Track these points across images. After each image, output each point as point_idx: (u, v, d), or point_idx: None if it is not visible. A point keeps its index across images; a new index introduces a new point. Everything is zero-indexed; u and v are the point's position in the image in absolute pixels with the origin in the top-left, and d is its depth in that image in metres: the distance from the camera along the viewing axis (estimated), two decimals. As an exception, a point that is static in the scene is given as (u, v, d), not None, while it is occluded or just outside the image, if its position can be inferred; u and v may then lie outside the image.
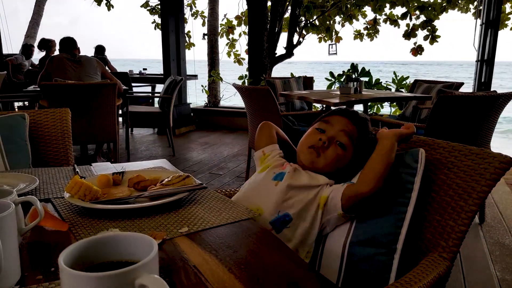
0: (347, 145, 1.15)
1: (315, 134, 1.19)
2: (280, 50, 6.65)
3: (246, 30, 7.54)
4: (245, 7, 7.24)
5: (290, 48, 6.69)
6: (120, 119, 4.76)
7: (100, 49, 7.66)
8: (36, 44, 8.28)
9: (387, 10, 7.00)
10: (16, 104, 6.74)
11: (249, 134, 3.76)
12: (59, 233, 0.83)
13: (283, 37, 6.70)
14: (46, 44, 6.89)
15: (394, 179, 1.05)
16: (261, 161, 1.28)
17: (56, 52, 7.41)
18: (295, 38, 6.72)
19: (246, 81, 6.50)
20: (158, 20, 9.25)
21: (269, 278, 0.68)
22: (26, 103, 6.76)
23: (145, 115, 4.90)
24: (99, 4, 10.35)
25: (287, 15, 6.77)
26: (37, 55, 8.02)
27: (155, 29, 10.14)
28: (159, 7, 10.23)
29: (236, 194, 1.24)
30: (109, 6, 10.58)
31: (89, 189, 0.97)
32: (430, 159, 1.05)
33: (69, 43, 4.29)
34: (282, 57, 6.67)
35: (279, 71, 8.17)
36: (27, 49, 7.91)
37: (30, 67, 7.53)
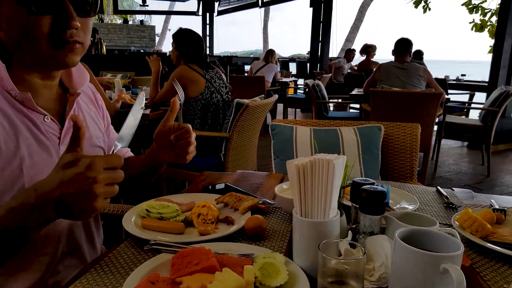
0: None
1: None
2: None
3: None
4: None
5: None
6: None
7: (417, 54, 7.62)
8: (357, 47, 9.13)
9: None
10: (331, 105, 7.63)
11: None
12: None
13: None
14: (367, 49, 7.45)
15: None
16: None
17: (375, 57, 7.91)
18: None
19: None
20: (477, 20, 8.47)
21: None
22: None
23: (462, 127, 4.60)
24: (416, 7, 10.31)
25: None
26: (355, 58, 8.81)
27: (472, 29, 9.32)
28: (482, 5, 9.28)
29: None
30: (426, 8, 10.36)
31: (482, 226, 0.95)
32: None
33: (399, 47, 4.38)
34: None
35: None
36: (348, 53, 8.79)
37: (349, 70, 8.35)
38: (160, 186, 3.08)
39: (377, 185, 0.86)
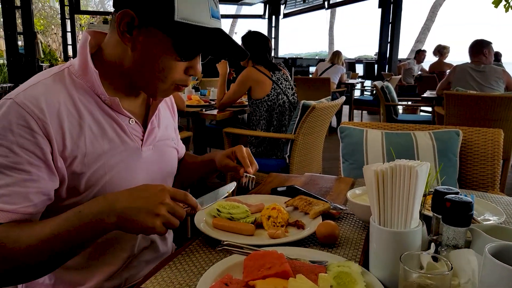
0: None
1: None
2: None
3: None
4: None
5: None
6: None
7: (495, 56, 7.07)
8: (427, 48, 8.68)
9: None
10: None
11: None
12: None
13: None
14: (440, 50, 7.05)
15: None
16: None
17: (453, 58, 7.46)
18: None
19: None
20: None
21: None
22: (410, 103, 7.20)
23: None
24: (496, 6, 9.63)
25: None
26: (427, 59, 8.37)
27: None
28: None
29: None
30: (508, 7, 9.66)
31: None
32: None
33: (472, 48, 4.12)
34: None
35: None
36: (419, 54, 8.38)
37: (419, 72, 7.96)
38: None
39: (461, 195, 0.80)
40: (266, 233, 0.98)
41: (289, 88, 3.10)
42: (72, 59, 1.02)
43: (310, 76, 8.91)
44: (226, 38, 0.92)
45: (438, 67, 7.32)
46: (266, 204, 1.09)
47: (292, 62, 10.44)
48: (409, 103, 6.50)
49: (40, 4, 18.21)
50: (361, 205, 0.99)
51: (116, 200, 0.78)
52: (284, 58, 11.20)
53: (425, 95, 4.89)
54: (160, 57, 0.88)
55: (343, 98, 3.14)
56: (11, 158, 0.80)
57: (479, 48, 4.07)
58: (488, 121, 3.51)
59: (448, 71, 4.36)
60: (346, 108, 7.79)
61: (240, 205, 1.08)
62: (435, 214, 0.85)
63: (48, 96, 0.85)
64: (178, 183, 1.30)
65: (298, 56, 13.59)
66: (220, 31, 0.92)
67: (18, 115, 0.81)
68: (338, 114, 6.73)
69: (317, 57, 13.56)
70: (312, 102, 2.69)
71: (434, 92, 4.66)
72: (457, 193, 0.82)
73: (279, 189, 1.26)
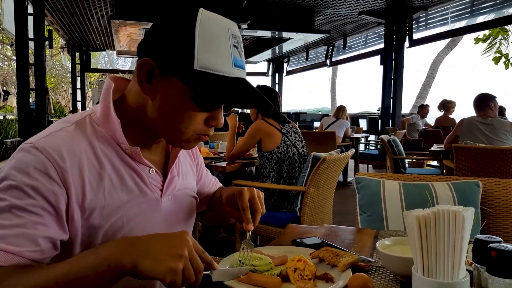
0: None
1: None
2: None
3: None
4: None
5: None
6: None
7: (499, 110, 7.19)
8: (429, 103, 8.83)
9: None
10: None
11: None
12: None
13: None
14: (445, 105, 7.17)
15: None
16: None
17: (454, 113, 7.57)
18: None
19: None
20: None
21: None
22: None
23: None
24: (496, 63, 9.95)
25: None
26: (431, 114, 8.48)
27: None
28: None
29: None
30: (508, 64, 9.96)
31: None
32: None
33: (477, 102, 4.16)
34: None
35: None
36: (422, 109, 8.52)
37: (423, 127, 8.04)
38: (233, 241, 3.05)
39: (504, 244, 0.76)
40: (294, 287, 0.92)
41: (298, 141, 3.11)
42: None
43: (315, 130, 9.00)
44: (248, 89, 0.88)
45: (443, 122, 7.41)
46: (289, 256, 1.04)
47: (295, 117, 10.60)
48: (416, 157, 6.49)
49: (52, 63, 18.95)
50: (394, 256, 0.94)
51: (137, 238, 0.73)
52: (288, 113, 11.39)
53: (432, 148, 4.89)
54: (180, 107, 0.85)
55: (353, 150, 3.13)
56: (24, 200, 0.75)
57: (485, 102, 4.12)
58: (500, 174, 3.47)
59: (452, 126, 4.40)
60: (351, 162, 7.75)
61: (263, 257, 1.02)
62: (477, 265, 0.79)
63: (71, 144, 0.83)
64: (205, 221, 1.25)
65: (302, 112, 13.85)
66: (242, 81, 0.88)
67: (37, 160, 0.77)
68: (344, 168, 6.70)
69: (320, 113, 13.78)
70: (323, 154, 2.68)
71: (442, 146, 4.66)
72: (500, 241, 0.78)
73: (305, 240, 1.21)
